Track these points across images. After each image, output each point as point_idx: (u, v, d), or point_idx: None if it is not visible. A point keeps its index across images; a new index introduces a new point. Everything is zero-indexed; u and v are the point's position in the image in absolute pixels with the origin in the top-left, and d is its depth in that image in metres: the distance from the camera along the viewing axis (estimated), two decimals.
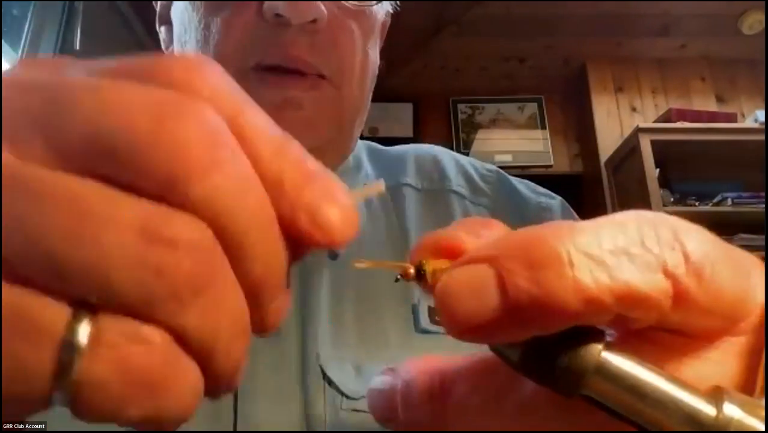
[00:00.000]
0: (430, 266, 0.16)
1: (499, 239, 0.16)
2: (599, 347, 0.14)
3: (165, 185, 0.13)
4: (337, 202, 0.15)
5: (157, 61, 0.15)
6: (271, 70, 0.41)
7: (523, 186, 0.54)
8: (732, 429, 0.13)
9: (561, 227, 0.15)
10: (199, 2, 0.42)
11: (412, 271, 0.16)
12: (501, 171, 0.55)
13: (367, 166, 0.54)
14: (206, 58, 0.16)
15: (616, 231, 0.14)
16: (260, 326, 0.15)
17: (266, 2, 0.39)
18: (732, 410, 0.13)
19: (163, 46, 0.50)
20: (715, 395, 0.14)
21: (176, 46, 0.46)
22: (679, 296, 0.14)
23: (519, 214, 0.51)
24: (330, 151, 0.47)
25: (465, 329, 0.14)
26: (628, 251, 0.14)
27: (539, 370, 0.14)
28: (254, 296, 0.14)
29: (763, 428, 0.13)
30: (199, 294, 0.13)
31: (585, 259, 0.14)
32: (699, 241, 0.15)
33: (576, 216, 0.53)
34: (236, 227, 0.14)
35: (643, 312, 0.14)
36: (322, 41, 0.41)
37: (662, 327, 0.15)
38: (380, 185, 0.18)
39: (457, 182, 0.52)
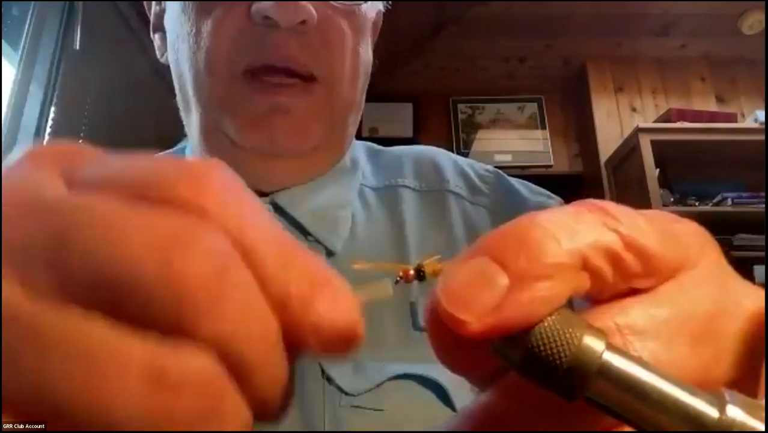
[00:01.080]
0: (431, 267, 0.16)
1: (479, 240, 0.16)
2: (601, 348, 0.14)
3: (173, 323, 0.13)
4: (342, 313, 0.15)
5: (162, 173, 0.15)
6: (262, 71, 0.41)
7: (522, 186, 0.54)
8: (734, 430, 0.13)
9: (529, 217, 0.16)
10: (191, 10, 0.42)
11: (412, 273, 0.16)
12: (500, 172, 0.55)
13: (365, 166, 0.54)
14: (210, 164, 0.15)
15: (560, 214, 0.16)
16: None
17: (254, 5, 0.39)
18: (734, 412, 0.13)
19: (157, 54, 0.51)
20: (718, 396, 0.14)
21: (170, 54, 0.47)
22: (627, 244, 0.16)
23: (518, 214, 0.51)
24: (324, 152, 0.48)
25: (482, 318, 0.14)
26: (577, 223, 0.16)
27: (541, 372, 0.14)
28: (260, 407, 0.15)
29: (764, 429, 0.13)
30: (207, 423, 0.13)
31: (561, 233, 0.15)
32: (614, 204, 0.17)
33: None
34: (243, 356, 0.14)
35: (614, 269, 0.16)
36: (312, 41, 0.41)
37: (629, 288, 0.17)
38: (387, 287, 0.17)
39: (455, 183, 0.52)
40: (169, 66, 0.48)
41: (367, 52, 0.47)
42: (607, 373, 0.14)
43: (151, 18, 0.52)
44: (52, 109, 1.50)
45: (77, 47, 1.57)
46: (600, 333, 0.14)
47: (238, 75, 0.41)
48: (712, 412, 0.13)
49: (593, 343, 0.14)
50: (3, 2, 1.35)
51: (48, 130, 1.49)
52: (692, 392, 0.14)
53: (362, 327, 0.15)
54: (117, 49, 1.86)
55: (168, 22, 0.47)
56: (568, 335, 0.14)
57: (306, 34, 0.40)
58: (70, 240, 0.13)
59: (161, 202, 0.14)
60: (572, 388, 0.14)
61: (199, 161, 0.15)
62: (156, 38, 0.51)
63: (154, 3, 0.51)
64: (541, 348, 0.14)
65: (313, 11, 0.40)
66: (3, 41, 1.40)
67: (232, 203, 0.15)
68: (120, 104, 1.86)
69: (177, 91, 0.48)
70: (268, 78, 0.41)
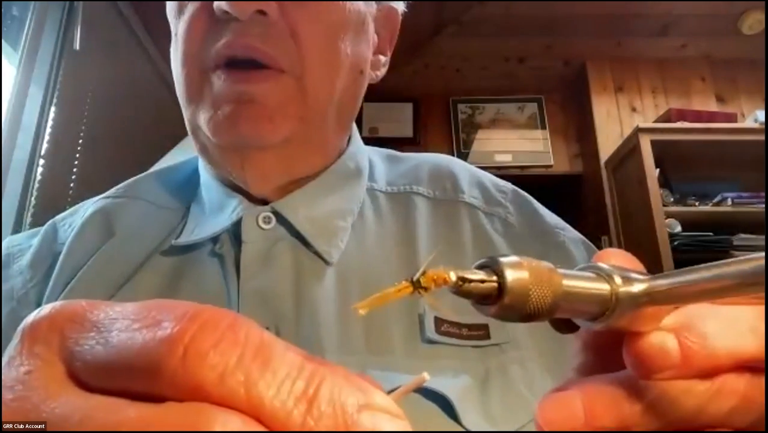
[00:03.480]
0: (429, 277, 0.16)
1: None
2: (560, 280, 0.18)
3: None
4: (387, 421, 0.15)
5: (148, 357, 0.14)
6: (229, 66, 0.41)
7: (536, 203, 0.54)
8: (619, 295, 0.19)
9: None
10: (172, 16, 0.44)
11: (410, 289, 0.16)
12: (515, 187, 0.56)
13: (381, 172, 0.54)
14: (194, 320, 0.15)
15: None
16: None
17: (215, 2, 0.40)
18: (619, 282, 0.19)
19: None
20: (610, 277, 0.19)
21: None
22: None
23: (535, 229, 0.51)
24: (300, 147, 0.45)
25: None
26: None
27: (523, 317, 0.18)
28: None
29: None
30: None
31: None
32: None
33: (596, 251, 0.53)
34: None
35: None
36: (276, 32, 0.40)
37: None
38: (424, 377, 0.17)
39: (470, 194, 0.52)
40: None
41: (354, 47, 0.45)
42: (568, 297, 0.18)
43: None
44: (52, 109, 1.50)
45: (77, 47, 1.57)
46: (559, 274, 0.18)
47: (207, 71, 0.41)
48: (605, 287, 0.19)
49: (554, 279, 0.18)
50: (3, 2, 1.34)
51: (48, 130, 1.49)
52: (597, 281, 0.19)
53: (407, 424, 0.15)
54: (117, 49, 1.86)
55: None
56: (548, 297, 0.18)
57: (271, 25, 0.40)
58: None
59: (159, 389, 0.14)
60: (545, 316, 0.18)
61: (182, 319, 0.15)
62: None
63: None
64: (532, 308, 0.18)
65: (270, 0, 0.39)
66: (3, 41, 1.39)
67: (231, 361, 0.14)
68: (120, 104, 1.86)
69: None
70: (233, 69, 0.41)
